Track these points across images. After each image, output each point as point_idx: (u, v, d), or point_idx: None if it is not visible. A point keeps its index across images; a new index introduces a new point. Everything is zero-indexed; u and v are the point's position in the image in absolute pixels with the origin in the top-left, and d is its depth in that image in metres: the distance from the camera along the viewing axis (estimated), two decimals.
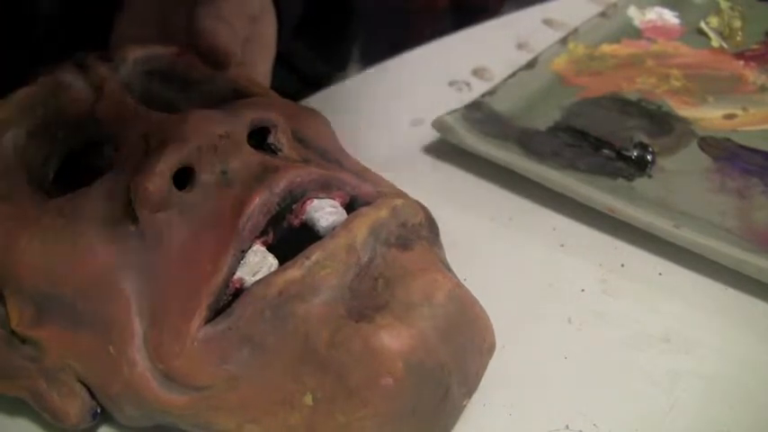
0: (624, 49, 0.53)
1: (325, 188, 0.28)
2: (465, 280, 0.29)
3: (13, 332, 0.30)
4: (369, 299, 0.25)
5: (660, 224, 0.37)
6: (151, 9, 0.40)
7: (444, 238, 0.31)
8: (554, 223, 0.40)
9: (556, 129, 0.45)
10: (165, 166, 0.27)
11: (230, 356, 0.26)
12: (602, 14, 0.56)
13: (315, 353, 0.25)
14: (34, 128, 0.32)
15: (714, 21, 0.56)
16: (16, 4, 0.49)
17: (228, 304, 0.26)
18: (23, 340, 0.30)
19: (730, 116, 0.47)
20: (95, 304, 0.27)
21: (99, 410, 0.29)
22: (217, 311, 0.26)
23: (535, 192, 0.41)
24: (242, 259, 0.26)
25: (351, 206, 0.29)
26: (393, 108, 0.49)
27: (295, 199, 0.28)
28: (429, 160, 0.45)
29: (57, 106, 0.32)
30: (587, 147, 0.43)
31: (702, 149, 0.44)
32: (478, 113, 0.45)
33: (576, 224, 0.40)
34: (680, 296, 0.36)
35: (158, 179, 0.27)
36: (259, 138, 0.31)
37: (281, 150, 0.31)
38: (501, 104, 0.46)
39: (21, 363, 0.30)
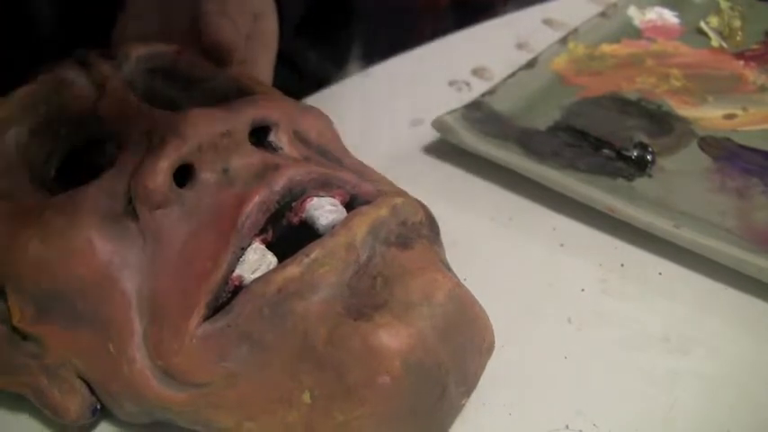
0: (624, 48, 0.53)
1: (325, 186, 0.28)
2: (465, 280, 0.29)
3: (14, 329, 0.30)
4: (368, 297, 0.26)
5: (660, 224, 0.37)
6: (152, 7, 0.40)
7: (444, 237, 0.31)
8: (554, 223, 0.40)
9: (556, 128, 0.45)
10: (166, 164, 0.27)
11: (229, 354, 0.26)
12: (602, 14, 0.56)
13: (313, 351, 0.25)
14: (36, 125, 0.32)
15: (714, 20, 0.56)
16: (17, 3, 0.49)
17: (227, 302, 0.26)
18: (24, 337, 0.30)
19: (730, 116, 0.47)
20: (95, 301, 0.28)
21: (99, 407, 0.29)
22: (216, 309, 0.26)
23: (535, 192, 0.41)
24: (241, 257, 0.27)
25: (351, 205, 0.29)
26: (393, 108, 0.49)
27: (295, 197, 0.28)
28: (429, 160, 0.45)
29: (59, 104, 0.32)
30: (587, 147, 0.43)
31: (702, 149, 0.44)
32: (478, 113, 0.45)
33: (575, 224, 0.40)
34: (680, 296, 0.36)
35: (159, 177, 0.27)
36: (260, 136, 0.31)
37: (281, 149, 0.31)
38: (501, 104, 0.46)
39: (22, 359, 0.30)
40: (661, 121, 0.46)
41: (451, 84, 0.52)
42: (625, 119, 0.46)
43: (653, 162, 0.42)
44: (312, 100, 0.49)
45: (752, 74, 0.51)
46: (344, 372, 0.25)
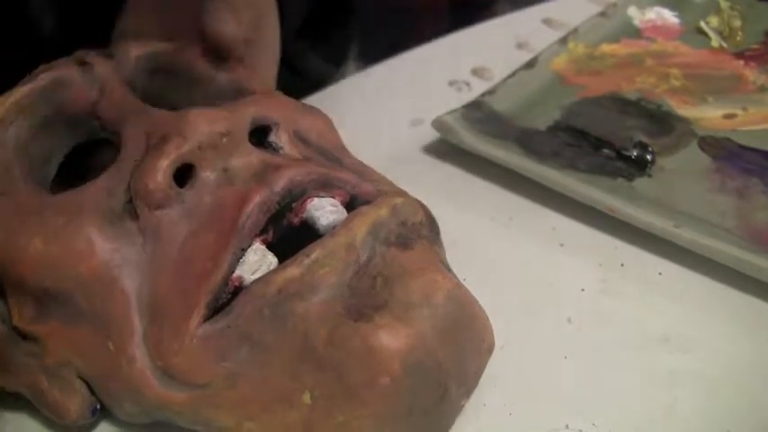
0: (624, 48, 0.53)
1: (326, 187, 0.28)
2: (465, 280, 0.29)
3: (14, 328, 0.30)
4: (368, 298, 0.25)
5: (660, 224, 0.37)
6: (153, 5, 0.40)
7: (444, 237, 0.31)
8: (554, 223, 0.40)
9: (556, 128, 0.45)
10: (166, 163, 0.27)
11: (229, 354, 0.26)
12: (602, 14, 0.56)
13: (313, 351, 0.25)
14: (36, 125, 0.32)
15: (714, 20, 0.56)
16: (17, 3, 0.49)
17: (228, 302, 0.26)
18: (24, 336, 0.30)
19: (730, 116, 0.47)
20: (95, 301, 0.28)
21: (98, 406, 0.30)
22: (216, 309, 0.26)
23: (535, 191, 0.41)
24: (241, 257, 0.27)
25: (351, 205, 0.29)
26: (393, 108, 0.49)
27: (295, 197, 0.28)
28: (429, 160, 0.45)
29: (59, 103, 0.32)
30: (587, 146, 0.43)
31: (702, 149, 0.44)
32: (478, 113, 0.45)
33: (575, 224, 0.40)
34: (680, 296, 0.36)
35: (159, 176, 0.27)
36: (260, 136, 0.31)
37: (281, 149, 0.31)
38: (501, 104, 0.46)
39: (21, 359, 0.30)
40: (661, 121, 0.46)
41: (451, 84, 0.52)
42: (625, 119, 0.46)
43: (653, 162, 0.42)
44: (312, 100, 0.49)
45: (752, 74, 0.51)
46: (345, 372, 0.25)
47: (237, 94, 0.35)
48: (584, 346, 0.34)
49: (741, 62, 0.52)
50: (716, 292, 0.36)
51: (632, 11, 0.57)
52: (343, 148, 0.34)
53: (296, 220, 0.28)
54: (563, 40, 0.52)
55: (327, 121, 0.35)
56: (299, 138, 0.32)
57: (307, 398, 0.26)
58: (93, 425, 0.31)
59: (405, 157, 0.45)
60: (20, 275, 0.28)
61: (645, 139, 0.43)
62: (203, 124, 0.27)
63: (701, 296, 0.36)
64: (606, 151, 0.43)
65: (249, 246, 0.27)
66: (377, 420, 0.25)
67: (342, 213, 0.28)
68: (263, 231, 0.27)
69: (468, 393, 0.28)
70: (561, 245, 0.39)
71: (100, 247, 0.28)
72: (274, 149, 0.31)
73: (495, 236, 0.40)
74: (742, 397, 0.32)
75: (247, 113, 0.29)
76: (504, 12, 0.61)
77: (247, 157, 0.28)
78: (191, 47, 0.37)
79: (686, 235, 0.37)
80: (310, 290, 0.25)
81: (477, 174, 0.44)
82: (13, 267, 0.29)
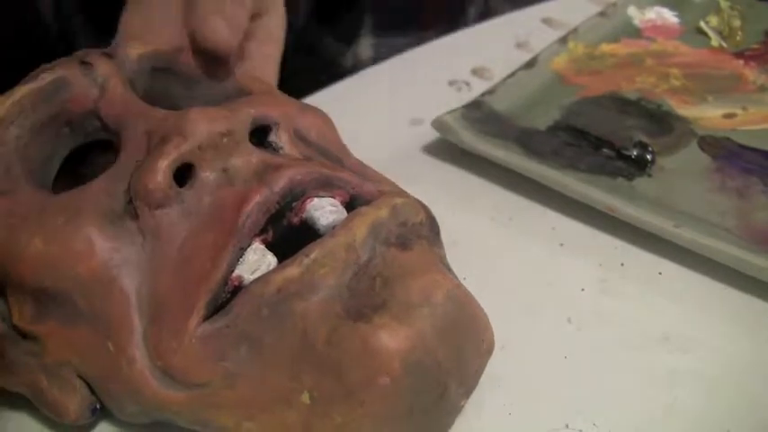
0: (624, 48, 0.53)
1: (326, 187, 0.28)
2: (464, 279, 0.29)
3: (13, 327, 0.30)
4: (367, 298, 0.25)
5: (660, 224, 0.37)
6: (157, 4, 0.39)
7: (444, 237, 0.31)
8: (554, 223, 0.40)
9: (555, 128, 0.45)
10: (166, 163, 0.27)
11: (228, 354, 0.26)
12: (602, 14, 0.56)
13: (312, 351, 0.25)
14: (37, 125, 0.32)
15: (714, 20, 0.56)
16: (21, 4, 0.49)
17: (227, 302, 0.26)
18: (24, 335, 0.30)
19: (730, 115, 0.47)
20: (95, 300, 0.28)
21: (98, 406, 0.29)
22: (215, 309, 0.26)
23: (535, 191, 0.41)
24: (241, 257, 0.27)
25: (351, 205, 0.29)
26: (393, 108, 0.49)
27: (295, 197, 0.28)
28: (429, 160, 0.45)
29: (60, 103, 0.32)
30: (587, 146, 0.43)
31: (702, 149, 0.44)
32: (478, 113, 0.45)
33: (575, 224, 0.40)
34: (680, 296, 0.36)
35: (159, 176, 0.27)
36: (260, 135, 0.31)
37: (282, 148, 0.31)
38: (501, 104, 0.46)
39: (21, 358, 0.30)
40: (661, 121, 0.46)
41: (451, 84, 0.52)
42: (625, 118, 0.46)
43: (653, 162, 0.42)
44: (312, 99, 0.49)
45: (752, 73, 0.51)
46: (344, 372, 0.25)
47: (237, 93, 0.35)
48: (584, 346, 0.34)
49: (741, 62, 0.52)
50: (716, 292, 0.36)
51: (632, 11, 0.57)
52: (343, 148, 0.34)
53: (296, 220, 0.28)
54: (563, 40, 0.52)
55: (327, 121, 0.34)
56: (300, 137, 0.32)
57: (306, 398, 0.26)
58: (93, 424, 0.31)
59: (405, 157, 0.45)
60: (20, 275, 0.28)
61: (645, 139, 0.43)
62: (203, 124, 0.27)
63: (701, 296, 0.36)
64: (606, 151, 0.43)
65: (249, 245, 0.27)
66: (376, 420, 0.25)
67: (342, 213, 0.28)
68: (263, 231, 0.27)
69: (467, 393, 0.28)
70: (561, 245, 0.39)
71: (99, 247, 0.28)
72: (274, 149, 0.31)
73: (495, 236, 0.40)
74: (742, 397, 0.32)
75: (247, 113, 0.29)
76: (503, 11, 0.61)
77: (247, 157, 0.28)
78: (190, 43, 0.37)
79: (686, 235, 0.37)
80: (309, 290, 0.25)
81: (477, 174, 0.44)
82: (13, 267, 0.28)
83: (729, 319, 0.35)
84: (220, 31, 0.35)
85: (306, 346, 0.25)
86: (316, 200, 0.28)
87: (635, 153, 0.42)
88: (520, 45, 0.56)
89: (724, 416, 0.31)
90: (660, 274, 0.37)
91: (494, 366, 0.29)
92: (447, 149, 0.45)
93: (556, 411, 0.31)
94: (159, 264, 0.27)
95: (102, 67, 0.33)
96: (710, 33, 0.55)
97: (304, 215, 0.28)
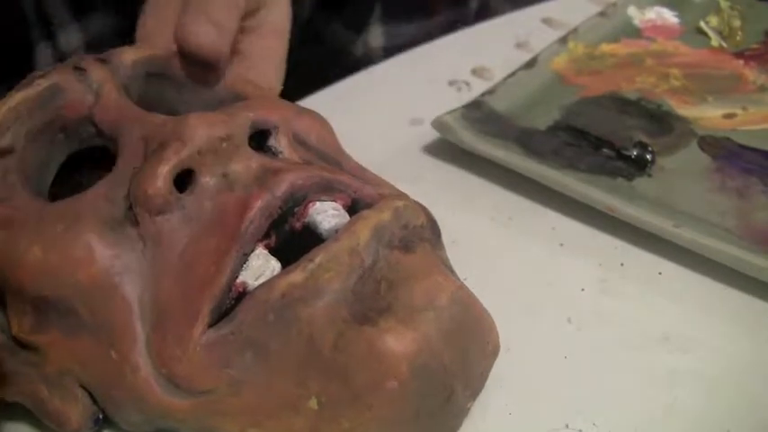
0: (624, 48, 0.53)
1: (327, 191, 0.28)
2: (465, 279, 0.29)
3: (13, 338, 0.30)
4: (372, 302, 0.25)
5: (660, 224, 0.37)
6: (174, 6, 0.39)
7: (444, 237, 0.31)
8: (554, 223, 0.40)
9: (555, 128, 0.45)
10: (166, 169, 0.27)
11: (233, 361, 0.26)
12: (602, 14, 0.56)
13: (319, 356, 0.25)
14: (33, 131, 0.32)
15: (714, 20, 0.56)
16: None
17: (231, 308, 0.26)
18: (24, 346, 0.30)
19: (730, 115, 0.47)
20: (96, 308, 0.27)
21: (101, 416, 0.29)
22: (220, 315, 0.26)
23: (535, 191, 0.41)
24: (245, 263, 0.26)
25: (353, 208, 0.29)
26: (393, 108, 0.49)
27: (297, 202, 0.28)
28: (429, 160, 0.45)
29: (55, 109, 0.32)
30: (587, 146, 0.43)
31: (702, 149, 0.44)
32: (478, 113, 0.45)
33: (575, 224, 0.40)
34: (680, 296, 0.36)
35: (159, 182, 0.27)
36: (259, 140, 0.31)
37: (281, 152, 0.31)
38: (501, 104, 0.46)
39: (21, 368, 0.29)
40: (661, 121, 0.46)
41: (451, 84, 0.52)
42: (625, 118, 0.46)
43: (653, 162, 0.42)
44: (312, 99, 0.49)
45: (752, 73, 0.51)
46: (351, 377, 0.25)
47: (234, 98, 0.34)
48: (584, 346, 0.34)
49: (741, 62, 0.52)
50: (716, 292, 0.36)
51: (632, 11, 0.57)
52: (341, 151, 0.34)
53: (298, 225, 0.28)
54: (563, 40, 0.52)
55: (325, 124, 0.34)
56: (298, 141, 0.32)
57: (313, 403, 0.25)
58: None
59: (405, 157, 0.45)
60: (19, 283, 0.28)
61: (645, 139, 0.43)
62: (203, 129, 0.27)
63: (701, 296, 0.36)
64: (606, 151, 0.43)
65: (252, 251, 0.27)
66: (384, 424, 0.25)
67: (344, 217, 0.28)
68: (266, 236, 0.27)
69: (474, 395, 0.28)
70: (561, 245, 0.39)
71: (100, 254, 0.27)
72: (274, 153, 0.31)
73: (495, 236, 0.40)
74: (742, 397, 0.32)
75: (246, 117, 0.29)
76: (504, 11, 0.61)
77: (247, 162, 0.28)
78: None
79: (686, 235, 0.37)
80: (315, 295, 0.25)
81: (477, 174, 0.44)
82: (11, 275, 0.28)
83: (729, 319, 0.35)
84: (203, 35, 0.34)
85: (312, 352, 0.25)
86: (318, 204, 0.28)
87: (635, 153, 0.42)
88: (520, 45, 0.56)
89: (724, 416, 0.31)
90: (660, 274, 0.37)
91: (494, 366, 0.29)
92: (447, 149, 0.45)
93: (556, 411, 0.31)
94: (161, 270, 0.27)
95: (97, 72, 0.32)
96: (710, 33, 0.55)
97: (306, 219, 0.28)
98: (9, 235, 0.29)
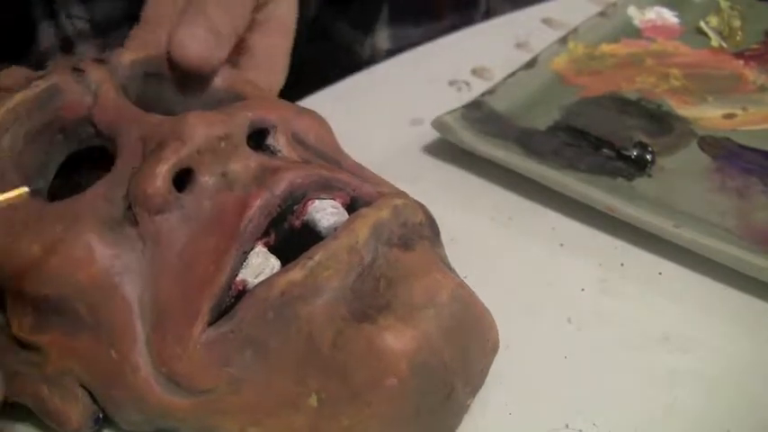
0: (624, 48, 0.53)
1: (326, 189, 0.28)
2: (465, 279, 0.29)
3: (14, 338, 0.30)
4: (371, 299, 0.25)
5: (660, 224, 0.37)
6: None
7: (444, 237, 0.31)
8: (554, 223, 0.40)
9: (555, 128, 0.45)
10: (165, 169, 0.27)
11: (233, 359, 0.26)
12: (602, 14, 0.56)
13: (318, 354, 0.25)
14: (32, 132, 0.32)
15: (714, 20, 0.56)
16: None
17: (231, 306, 0.26)
18: (24, 345, 0.30)
19: (730, 116, 0.47)
20: (96, 307, 0.27)
21: (101, 415, 0.29)
22: (219, 314, 0.26)
23: (535, 191, 0.41)
24: (244, 261, 0.27)
25: (352, 206, 0.29)
26: (393, 108, 0.49)
27: (296, 200, 0.28)
28: (429, 160, 0.45)
29: (53, 110, 0.32)
30: (587, 146, 0.43)
31: (702, 149, 0.44)
32: (478, 113, 0.45)
33: (575, 224, 0.40)
34: (680, 296, 0.36)
35: (158, 181, 0.27)
36: (258, 139, 0.31)
37: (279, 151, 0.31)
38: (501, 104, 0.46)
39: (22, 368, 0.29)
40: (661, 121, 0.46)
41: (451, 84, 0.52)
42: (625, 118, 0.46)
43: (653, 162, 0.42)
44: (312, 99, 0.49)
45: (752, 74, 0.51)
46: (350, 374, 0.25)
47: (232, 97, 0.34)
48: (584, 346, 0.34)
49: (741, 62, 0.52)
50: (716, 292, 0.36)
51: (632, 11, 0.57)
52: (340, 151, 0.34)
53: (297, 223, 0.28)
54: (563, 40, 0.52)
55: (324, 124, 0.34)
56: (297, 140, 0.32)
57: (313, 401, 0.26)
58: None
59: (405, 157, 0.45)
60: (19, 284, 0.28)
61: (645, 139, 0.43)
62: (201, 128, 0.27)
63: (701, 296, 0.36)
64: (606, 151, 0.43)
65: (251, 249, 0.27)
66: (383, 422, 0.25)
67: (343, 215, 0.28)
68: (265, 234, 0.27)
69: (474, 392, 0.28)
70: (561, 245, 0.39)
71: (100, 254, 0.27)
72: (272, 152, 0.31)
73: (495, 236, 0.40)
74: (742, 397, 0.32)
75: (245, 117, 0.29)
76: (504, 12, 0.61)
77: (246, 161, 0.28)
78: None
79: (686, 235, 0.37)
80: (314, 292, 0.25)
81: (477, 174, 0.44)
82: (11, 275, 0.28)
83: (729, 319, 0.35)
84: (191, 46, 0.33)
85: (311, 350, 0.25)
86: (317, 202, 0.28)
87: (635, 153, 0.42)
88: (520, 45, 0.56)
89: (724, 416, 0.31)
90: (660, 274, 0.37)
91: (494, 366, 0.29)
92: (447, 149, 0.45)
93: (556, 411, 0.31)
94: (160, 270, 0.27)
95: (95, 73, 0.32)
96: (710, 33, 0.55)
97: (305, 218, 0.28)
98: (9, 235, 0.29)
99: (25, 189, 0.25)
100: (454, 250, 0.31)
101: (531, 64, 0.50)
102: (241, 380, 0.26)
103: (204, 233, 0.27)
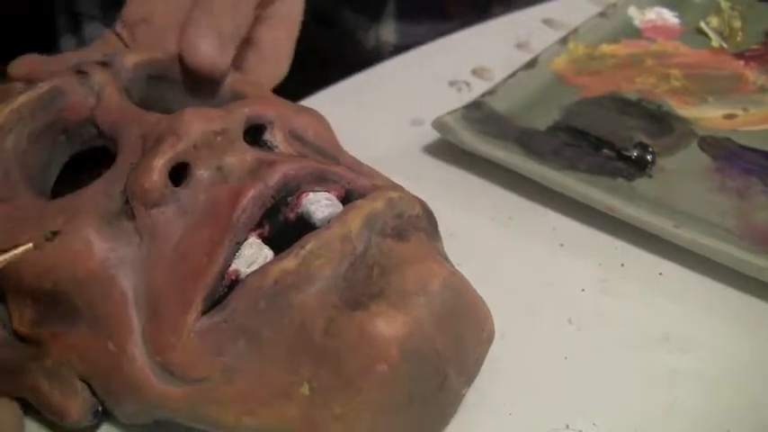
0: (624, 48, 0.53)
1: (321, 181, 0.29)
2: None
3: (14, 332, 0.30)
4: (364, 287, 0.26)
5: (660, 224, 0.37)
6: None
7: (444, 237, 0.31)
8: (554, 223, 0.40)
9: (556, 128, 0.45)
10: (161, 163, 0.27)
11: (226, 348, 0.26)
12: (602, 14, 0.56)
13: (310, 342, 0.25)
14: (35, 132, 0.32)
15: (714, 21, 0.56)
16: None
17: (225, 296, 0.26)
18: (24, 340, 0.30)
19: (730, 116, 0.47)
20: (94, 300, 0.28)
21: (100, 408, 0.29)
22: (213, 303, 0.26)
23: (535, 192, 0.41)
24: (237, 252, 0.27)
25: (347, 199, 0.29)
26: (393, 108, 0.49)
27: (290, 192, 0.28)
28: (429, 160, 0.45)
29: (57, 111, 0.33)
30: (587, 146, 0.43)
31: (702, 149, 0.44)
32: (478, 113, 0.45)
33: (575, 224, 0.40)
34: (680, 296, 0.36)
35: (154, 175, 0.27)
36: (255, 135, 0.31)
37: (276, 147, 0.31)
38: (501, 104, 0.46)
39: (22, 363, 0.30)
40: (661, 121, 0.46)
41: (451, 84, 0.52)
42: (625, 119, 0.46)
43: (653, 162, 0.42)
44: (313, 99, 0.49)
45: (752, 74, 0.51)
46: (342, 362, 0.25)
47: (234, 98, 0.35)
48: (584, 346, 0.34)
49: (741, 62, 0.52)
50: (716, 292, 0.36)
51: (632, 11, 0.57)
52: (339, 148, 0.34)
53: (292, 215, 0.28)
54: (563, 41, 0.52)
55: (323, 121, 0.35)
56: (295, 137, 0.33)
57: (305, 389, 0.26)
58: (95, 427, 0.30)
59: (405, 157, 0.45)
60: (19, 278, 0.29)
61: (645, 140, 0.43)
62: (198, 123, 0.28)
63: (701, 296, 0.36)
64: (606, 151, 0.43)
65: (245, 240, 0.27)
66: (375, 409, 0.25)
67: (337, 207, 0.28)
68: (259, 226, 0.27)
69: (468, 382, 0.28)
70: (561, 245, 0.39)
71: (98, 248, 0.28)
72: (269, 148, 0.31)
73: (495, 236, 0.40)
74: (742, 397, 0.32)
75: (242, 112, 0.30)
76: (504, 12, 0.61)
77: (242, 156, 0.28)
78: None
79: (686, 235, 0.37)
80: (306, 281, 0.25)
81: (477, 174, 0.44)
82: (12, 270, 0.29)
83: (729, 319, 0.35)
84: (204, 51, 0.34)
85: (304, 338, 0.25)
86: (311, 194, 0.28)
87: (635, 153, 0.42)
88: (520, 45, 0.56)
89: (724, 416, 0.31)
90: (660, 274, 0.37)
91: (494, 366, 0.29)
92: (447, 150, 0.45)
93: (556, 411, 0.31)
94: (155, 261, 0.28)
95: (98, 75, 0.33)
96: (711, 34, 0.55)
97: (300, 210, 0.28)
98: (9, 231, 0.29)
99: (30, 245, 0.27)
100: (454, 250, 0.31)
101: (531, 64, 0.50)
102: (234, 369, 0.26)
103: (199, 225, 0.27)
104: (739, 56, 0.53)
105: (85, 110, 0.32)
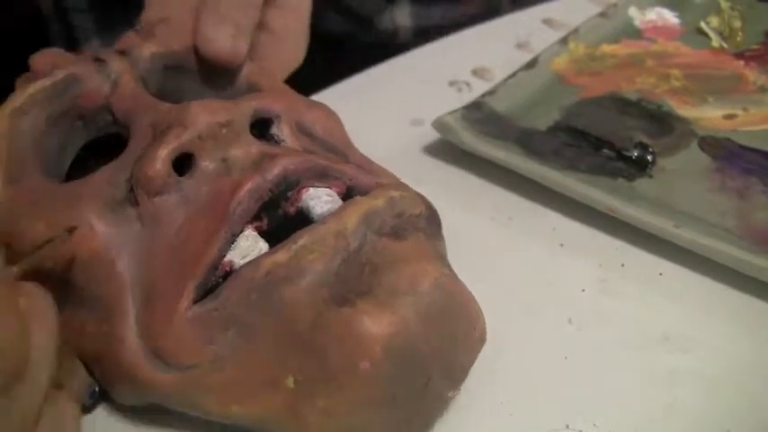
0: (624, 48, 0.53)
1: (322, 177, 0.29)
2: (465, 278, 0.29)
3: None
4: (354, 284, 0.26)
5: (660, 224, 0.37)
6: (173, 3, 0.39)
7: (444, 237, 0.31)
8: (554, 223, 0.40)
9: (556, 129, 0.45)
10: (165, 152, 0.28)
11: (216, 337, 0.26)
12: (603, 14, 0.56)
13: (298, 336, 0.25)
14: (51, 117, 0.33)
15: (714, 21, 0.56)
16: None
17: (218, 286, 0.27)
18: None
19: (730, 116, 0.47)
20: (93, 283, 0.28)
21: (97, 389, 0.30)
22: (206, 292, 0.27)
23: (535, 192, 0.41)
24: (233, 243, 0.27)
25: (348, 196, 0.29)
26: (393, 108, 0.49)
27: (290, 186, 0.28)
28: (429, 160, 0.45)
29: (73, 97, 0.33)
30: (587, 147, 0.43)
31: (702, 149, 0.44)
32: (478, 113, 0.45)
33: (575, 224, 0.40)
34: (680, 296, 0.36)
35: (158, 164, 0.28)
36: (262, 128, 0.31)
37: (283, 141, 0.32)
38: (501, 104, 0.46)
39: None
40: (661, 122, 0.46)
41: (451, 84, 0.52)
42: (625, 119, 0.46)
43: (653, 162, 0.42)
44: (313, 99, 0.49)
45: (752, 74, 0.51)
46: (327, 357, 0.25)
47: (249, 89, 0.35)
48: (584, 346, 0.34)
49: (741, 62, 0.52)
50: (716, 292, 0.36)
51: (633, 11, 0.57)
52: (349, 144, 0.35)
53: (291, 210, 0.28)
54: (563, 41, 0.52)
55: (333, 116, 0.35)
56: (304, 132, 0.33)
57: (290, 382, 0.26)
58: (92, 407, 0.30)
59: (405, 157, 0.45)
60: (23, 258, 0.29)
61: (645, 140, 0.43)
62: (203, 115, 0.28)
63: (701, 296, 0.36)
64: (606, 151, 0.43)
65: (241, 232, 0.27)
66: (357, 405, 0.25)
67: (337, 203, 0.28)
68: (257, 219, 0.28)
69: (454, 385, 0.28)
70: (561, 245, 0.39)
71: (99, 231, 0.28)
72: (276, 141, 0.32)
73: (495, 236, 0.40)
74: (742, 397, 0.32)
75: (249, 105, 0.30)
76: (504, 12, 0.61)
77: (247, 148, 0.29)
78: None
79: (686, 235, 0.37)
80: (298, 275, 0.26)
81: (477, 174, 0.44)
82: (17, 250, 0.29)
83: (729, 319, 0.35)
84: (221, 42, 0.35)
85: (292, 331, 0.25)
86: (311, 189, 0.28)
87: (635, 154, 0.42)
88: (520, 45, 0.56)
89: (724, 416, 0.31)
90: (660, 274, 0.37)
91: (494, 366, 0.29)
92: (447, 150, 0.45)
93: (556, 411, 0.31)
94: (155, 249, 0.28)
95: (116, 63, 0.34)
96: (711, 34, 0.55)
97: (300, 204, 0.28)
98: (19, 213, 0.30)
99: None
100: (454, 250, 0.31)
101: (531, 64, 0.50)
102: (224, 357, 0.26)
103: (199, 215, 0.28)
104: (739, 56, 0.53)
105: (101, 97, 0.33)
